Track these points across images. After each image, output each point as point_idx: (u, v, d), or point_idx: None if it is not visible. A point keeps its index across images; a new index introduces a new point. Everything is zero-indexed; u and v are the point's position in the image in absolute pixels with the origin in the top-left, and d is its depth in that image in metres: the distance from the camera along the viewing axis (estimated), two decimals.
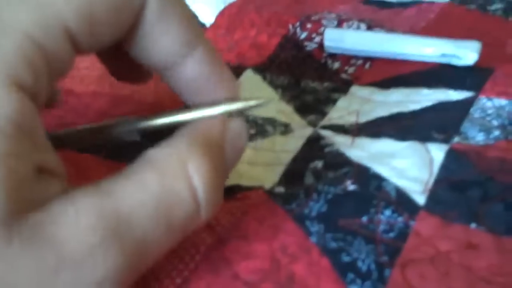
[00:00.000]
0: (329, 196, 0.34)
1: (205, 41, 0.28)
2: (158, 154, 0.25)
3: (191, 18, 0.28)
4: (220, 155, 0.27)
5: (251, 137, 0.41)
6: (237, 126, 0.29)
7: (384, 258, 0.30)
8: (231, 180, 0.37)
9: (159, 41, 0.27)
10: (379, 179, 0.35)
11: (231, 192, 0.36)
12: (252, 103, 0.31)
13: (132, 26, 0.26)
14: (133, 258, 0.23)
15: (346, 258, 0.30)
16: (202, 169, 0.25)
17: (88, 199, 0.22)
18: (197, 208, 0.25)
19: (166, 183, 0.24)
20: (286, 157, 0.38)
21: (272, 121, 0.42)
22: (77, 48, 0.25)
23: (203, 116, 0.29)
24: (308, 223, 0.32)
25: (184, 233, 0.26)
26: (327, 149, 0.39)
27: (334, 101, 0.45)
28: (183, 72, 0.28)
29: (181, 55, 0.28)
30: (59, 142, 0.32)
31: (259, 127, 0.42)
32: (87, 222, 0.21)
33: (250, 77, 0.49)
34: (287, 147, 0.39)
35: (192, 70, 0.28)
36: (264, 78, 0.49)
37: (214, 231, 0.32)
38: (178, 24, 0.27)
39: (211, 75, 0.29)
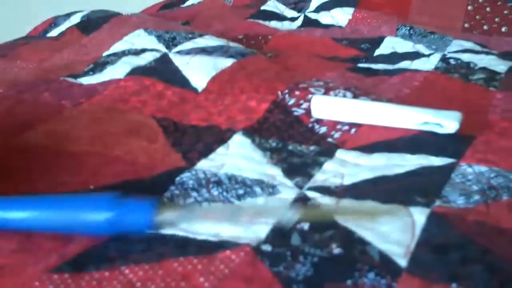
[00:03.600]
0: (315, 259, 0.35)
1: None
2: None
3: None
4: None
5: (240, 197, 0.42)
6: None
7: None
8: (212, 235, 0.38)
9: None
10: (363, 243, 0.36)
11: (212, 252, 0.36)
12: None
13: None
14: None
15: None
16: None
17: None
18: None
19: None
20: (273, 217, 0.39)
21: (260, 183, 0.44)
22: None
23: None
24: (295, 287, 0.33)
25: None
26: None
27: (320, 164, 0.46)
28: None
29: None
30: None
31: (248, 188, 0.43)
32: None
33: (239, 140, 0.50)
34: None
35: None
36: (253, 141, 0.50)
37: None
38: None
39: None
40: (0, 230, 0.38)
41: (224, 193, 0.42)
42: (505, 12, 0.89)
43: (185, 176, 0.45)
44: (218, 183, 0.43)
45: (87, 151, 0.49)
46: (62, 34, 0.82)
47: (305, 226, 0.38)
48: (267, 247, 0.36)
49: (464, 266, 0.34)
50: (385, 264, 0.34)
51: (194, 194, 0.42)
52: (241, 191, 0.42)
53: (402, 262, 0.34)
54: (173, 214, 0.38)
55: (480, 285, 0.32)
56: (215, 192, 0.42)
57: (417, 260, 0.34)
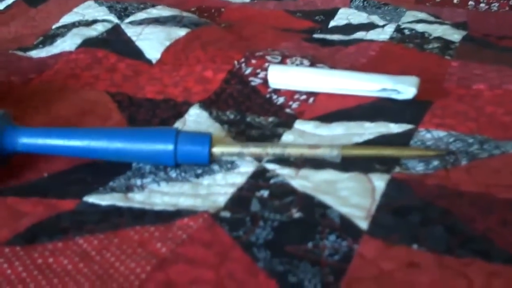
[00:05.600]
0: (275, 223, 0.35)
1: None
2: None
3: None
4: None
5: (198, 176, 0.41)
6: None
7: (330, 278, 0.30)
8: (169, 206, 0.37)
9: None
10: (323, 207, 0.36)
11: (170, 219, 0.36)
12: None
13: None
14: None
15: (293, 279, 0.30)
16: None
17: None
18: None
19: None
20: (232, 188, 0.39)
21: (218, 159, 0.43)
22: None
23: None
24: (255, 250, 0.33)
25: None
26: (272, 181, 0.39)
27: (279, 136, 0.46)
28: None
29: None
30: None
31: (206, 167, 0.42)
32: None
33: (197, 114, 0.49)
34: (233, 180, 0.40)
35: None
36: (211, 113, 0.49)
37: (159, 254, 0.32)
38: None
39: None
40: (64, 155, 0.42)
41: (183, 174, 0.41)
42: None
43: None
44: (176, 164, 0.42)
45: None
46: (8, 7, 0.80)
47: (265, 193, 0.38)
48: (226, 214, 0.36)
49: (424, 227, 0.34)
50: (346, 227, 0.34)
51: (151, 176, 0.41)
52: (199, 171, 0.41)
53: (363, 225, 0.34)
54: (226, 149, 0.41)
55: (440, 245, 0.32)
56: (173, 174, 0.41)
57: (378, 223, 0.34)
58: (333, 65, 0.56)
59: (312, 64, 0.55)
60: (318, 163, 0.41)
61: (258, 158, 0.42)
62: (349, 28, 0.72)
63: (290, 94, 0.52)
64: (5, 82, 0.56)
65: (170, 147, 0.41)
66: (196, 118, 0.49)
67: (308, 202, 0.37)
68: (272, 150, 0.42)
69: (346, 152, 0.41)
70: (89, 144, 0.41)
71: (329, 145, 0.42)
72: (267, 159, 0.42)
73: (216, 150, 0.41)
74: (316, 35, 0.70)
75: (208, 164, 0.42)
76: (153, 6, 0.71)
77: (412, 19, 0.73)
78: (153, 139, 0.41)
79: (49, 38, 0.65)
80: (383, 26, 0.71)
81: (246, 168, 0.41)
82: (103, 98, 0.53)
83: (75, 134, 0.41)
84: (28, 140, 0.41)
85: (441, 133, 0.44)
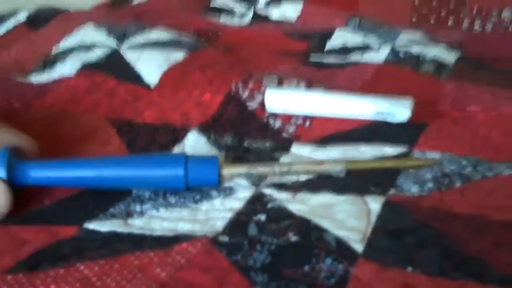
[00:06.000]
0: (273, 247, 0.35)
1: None
2: None
3: None
4: None
5: (197, 201, 0.42)
6: None
7: None
8: (168, 232, 0.38)
9: None
10: (319, 230, 0.36)
11: (169, 245, 0.36)
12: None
13: None
14: None
15: None
16: None
17: None
18: None
19: None
20: (230, 213, 0.39)
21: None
22: None
23: None
24: (253, 274, 0.33)
25: None
26: (269, 205, 0.40)
27: (276, 160, 0.46)
28: None
29: None
30: None
31: (204, 193, 0.43)
32: None
33: (195, 139, 0.50)
34: (231, 205, 0.41)
35: None
36: (209, 138, 0.50)
37: (159, 279, 0.33)
38: None
39: None
40: (73, 186, 0.44)
41: (182, 199, 0.42)
42: (451, 6, 0.91)
43: None
44: (175, 191, 0.43)
45: None
46: (8, 32, 0.81)
47: (262, 217, 0.38)
48: (224, 238, 0.36)
49: (419, 250, 0.34)
50: (342, 250, 0.35)
51: (151, 202, 0.42)
52: (197, 196, 0.42)
53: (359, 248, 0.35)
54: (234, 170, 0.43)
55: (435, 268, 0.33)
56: (172, 200, 0.42)
57: (373, 245, 0.35)
58: (329, 89, 0.56)
59: (309, 86, 0.56)
60: (314, 187, 0.42)
61: (255, 183, 0.43)
62: (345, 50, 0.73)
63: (287, 118, 0.53)
64: (6, 107, 0.56)
65: (180, 172, 0.41)
66: (194, 144, 0.50)
67: (304, 226, 0.37)
68: (279, 168, 0.43)
69: (350, 166, 0.43)
70: (100, 174, 0.42)
71: (333, 161, 0.44)
72: (265, 183, 0.43)
73: (225, 172, 0.42)
74: (312, 58, 0.71)
75: (217, 186, 0.43)
76: (151, 29, 0.72)
77: (407, 40, 0.74)
78: (163, 166, 0.42)
79: (49, 62, 0.66)
80: (378, 48, 0.72)
81: (244, 193, 0.42)
82: (102, 123, 0.53)
83: (85, 166, 0.42)
84: (38, 174, 0.42)
85: (435, 155, 0.45)
